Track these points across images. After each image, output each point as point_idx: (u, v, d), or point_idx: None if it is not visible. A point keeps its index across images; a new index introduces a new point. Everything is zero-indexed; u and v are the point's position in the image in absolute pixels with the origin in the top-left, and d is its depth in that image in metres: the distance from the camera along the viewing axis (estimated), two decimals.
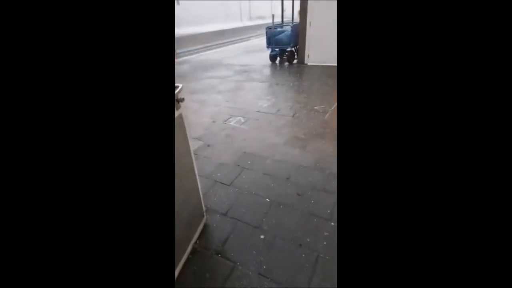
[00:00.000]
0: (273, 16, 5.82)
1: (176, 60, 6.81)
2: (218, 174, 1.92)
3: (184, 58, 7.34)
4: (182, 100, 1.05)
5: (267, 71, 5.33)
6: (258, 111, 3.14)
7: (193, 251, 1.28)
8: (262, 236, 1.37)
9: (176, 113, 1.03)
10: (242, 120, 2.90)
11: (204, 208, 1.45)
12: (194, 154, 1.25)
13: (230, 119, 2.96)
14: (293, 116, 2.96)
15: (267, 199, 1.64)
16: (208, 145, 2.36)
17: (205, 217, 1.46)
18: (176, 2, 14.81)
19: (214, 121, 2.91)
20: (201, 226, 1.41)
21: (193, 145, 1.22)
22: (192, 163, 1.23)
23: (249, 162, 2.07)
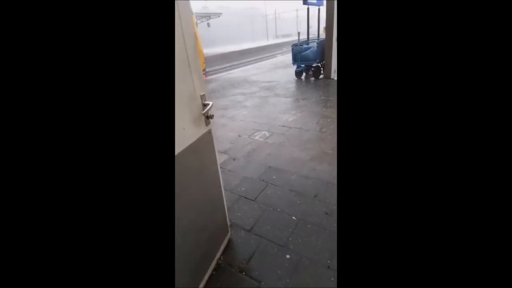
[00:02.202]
0: (298, 33, 5.94)
1: (205, 78, 7.21)
2: (243, 189, 1.92)
3: (213, 76, 7.74)
4: (212, 116, 1.08)
5: (293, 86, 5.36)
6: (283, 126, 3.13)
7: (217, 267, 1.26)
8: (288, 256, 1.30)
9: (206, 129, 1.07)
10: (267, 135, 2.91)
11: (228, 223, 1.44)
12: (220, 167, 1.27)
13: (255, 133, 2.98)
14: (320, 130, 2.89)
15: (293, 217, 1.58)
16: (234, 159, 2.39)
17: (229, 232, 1.45)
18: (206, 24, 15.94)
19: (239, 135, 2.96)
20: (225, 242, 1.39)
21: (219, 158, 1.24)
22: (218, 176, 1.25)
23: (274, 177, 2.04)
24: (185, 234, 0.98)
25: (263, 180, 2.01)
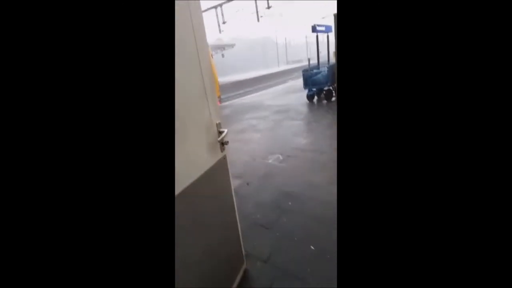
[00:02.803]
0: (309, 60, 6.14)
1: (220, 105, 7.49)
2: (258, 216, 1.86)
3: (227, 102, 8.03)
4: (227, 143, 1.10)
5: (305, 109, 5.42)
6: (296, 148, 3.11)
7: None
8: None
9: (221, 155, 1.08)
10: (281, 158, 2.89)
11: (244, 253, 1.38)
12: (234, 192, 1.25)
13: (269, 156, 2.97)
14: (333, 153, 2.83)
15: (312, 247, 1.49)
16: (247, 183, 2.37)
17: (245, 263, 1.38)
18: (221, 55, 16.98)
19: (253, 159, 2.96)
20: (241, 273, 1.32)
21: (233, 183, 1.23)
22: (233, 203, 1.23)
23: (290, 203, 1.98)
24: (200, 264, 0.95)
25: (278, 207, 1.95)
